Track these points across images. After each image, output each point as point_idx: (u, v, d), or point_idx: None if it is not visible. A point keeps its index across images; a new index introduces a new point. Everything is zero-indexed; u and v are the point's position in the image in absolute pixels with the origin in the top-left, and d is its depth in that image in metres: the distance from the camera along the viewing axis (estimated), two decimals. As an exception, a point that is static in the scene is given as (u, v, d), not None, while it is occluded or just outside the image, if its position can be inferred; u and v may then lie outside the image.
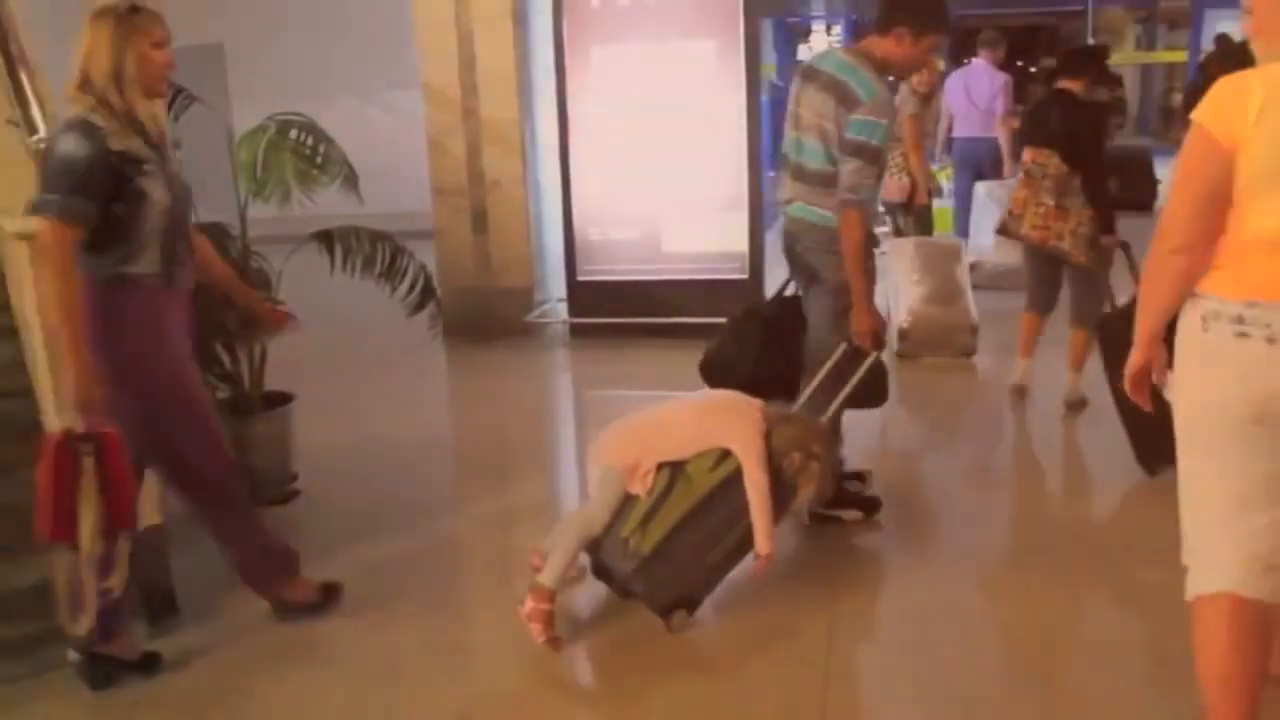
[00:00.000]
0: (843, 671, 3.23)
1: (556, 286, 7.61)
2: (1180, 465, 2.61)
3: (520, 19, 7.21)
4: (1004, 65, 8.61)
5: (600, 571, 3.55)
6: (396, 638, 3.49)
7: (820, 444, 3.45)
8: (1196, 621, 2.53)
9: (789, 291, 4.28)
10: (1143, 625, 3.50)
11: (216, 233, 4.38)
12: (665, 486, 3.35)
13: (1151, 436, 4.37)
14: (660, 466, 3.38)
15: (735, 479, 3.33)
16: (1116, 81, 12.58)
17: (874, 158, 3.69)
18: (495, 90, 7.16)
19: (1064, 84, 5.29)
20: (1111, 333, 4.68)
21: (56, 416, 3.04)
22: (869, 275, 3.82)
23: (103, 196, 2.90)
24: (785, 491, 3.39)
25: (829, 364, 3.90)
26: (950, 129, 8.75)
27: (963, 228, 8.50)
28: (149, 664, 3.24)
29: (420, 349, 6.43)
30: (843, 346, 3.89)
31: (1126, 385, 2.68)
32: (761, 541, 3.32)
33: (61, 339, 2.87)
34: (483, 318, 7.33)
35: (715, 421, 3.43)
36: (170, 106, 4.64)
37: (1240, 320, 2.44)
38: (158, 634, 3.45)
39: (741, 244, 6.92)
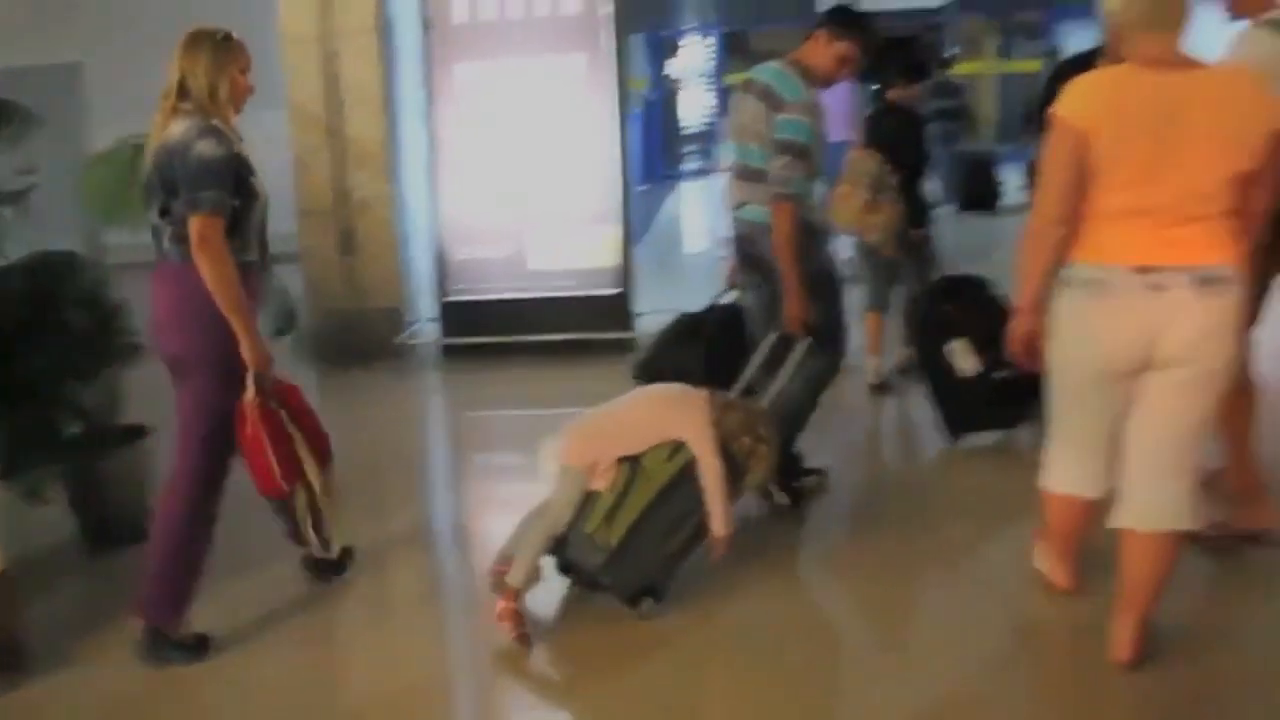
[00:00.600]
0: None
1: (427, 306, 7.50)
2: (1053, 399, 3.21)
3: (385, 36, 7.10)
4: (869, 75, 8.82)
5: (566, 568, 3.70)
6: (271, 671, 3.41)
7: (766, 427, 3.65)
8: (1047, 500, 3.38)
9: (725, 299, 4.56)
10: (988, 590, 3.74)
11: (66, 262, 4.22)
12: (626, 481, 3.50)
13: (952, 407, 5.00)
14: (619, 461, 3.53)
15: (690, 467, 3.51)
16: (956, 90, 13.45)
17: (801, 154, 3.99)
18: (361, 108, 7.05)
19: (891, 94, 5.86)
20: (915, 314, 5.25)
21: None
22: (808, 265, 4.09)
23: (232, 193, 3.26)
24: (736, 474, 3.59)
25: (762, 352, 4.15)
26: None
27: None
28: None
29: (288, 373, 6.25)
30: (771, 335, 4.15)
31: (1014, 349, 3.14)
32: (718, 524, 3.51)
33: (228, 314, 3.25)
34: (352, 340, 7.20)
35: (667, 413, 3.59)
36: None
37: (1089, 283, 2.93)
38: (10, 686, 3.29)
39: (613, 258, 6.92)
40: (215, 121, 3.30)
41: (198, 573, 3.46)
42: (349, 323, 7.23)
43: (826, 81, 4.16)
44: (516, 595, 3.45)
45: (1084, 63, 4.35)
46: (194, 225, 3.20)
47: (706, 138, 21.85)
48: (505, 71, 6.87)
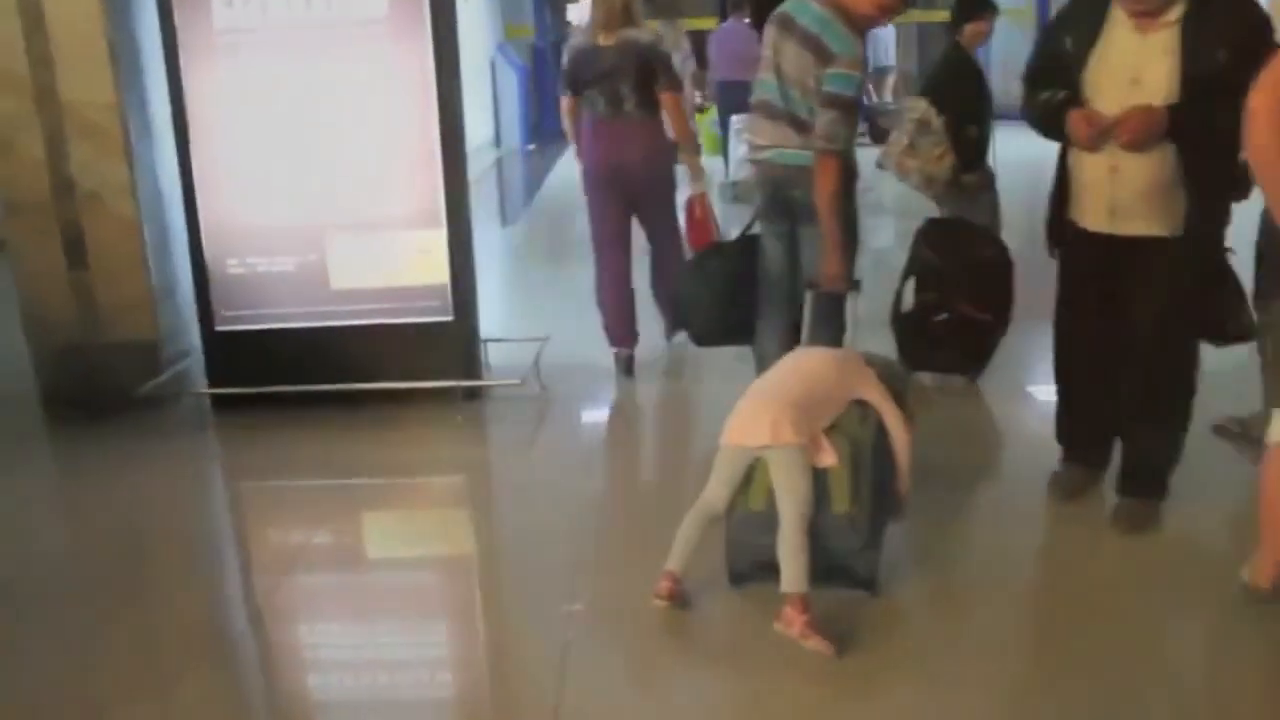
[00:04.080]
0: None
1: (195, 336, 5.43)
2: None
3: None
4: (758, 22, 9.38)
5: (740, 577, 3.41)
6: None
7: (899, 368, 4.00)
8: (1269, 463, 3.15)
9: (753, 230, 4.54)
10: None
11: None
12: (852, 452, 3.29)
13: (898, 338, 5.26)
14: (829, 433, 3.32)
15: (880, 427, 3.41)
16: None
17: (850, 109, 3.93)
18: (79, 64, 4.94)
19: (961, 34, 5.75)
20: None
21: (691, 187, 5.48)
22: (849, 222, 4.09)
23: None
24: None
25: (808, 313, 4.15)
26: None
27: (723, 155, 10.75)
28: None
29: (10, 437, 5.05)
30: (810, 294, 4.14)
31: None
32: (907, 478, 3.47)
33: (684, 143, 5.54)
34: (93, 387, 5.21)
35: (848, 376, 3.49)
36: None
37: None
38: None
39: (440, 273, 4.98)
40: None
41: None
42: (88, 363, 5.23)
43: (865, 28, 4.03)
44: (808, 600, 3.11)
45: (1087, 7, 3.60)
46: (667, 98, 5.27)
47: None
48: (284, 21, 4.86)
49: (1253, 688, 2.99)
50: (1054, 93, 3.52)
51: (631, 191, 5.36)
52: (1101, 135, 3.35)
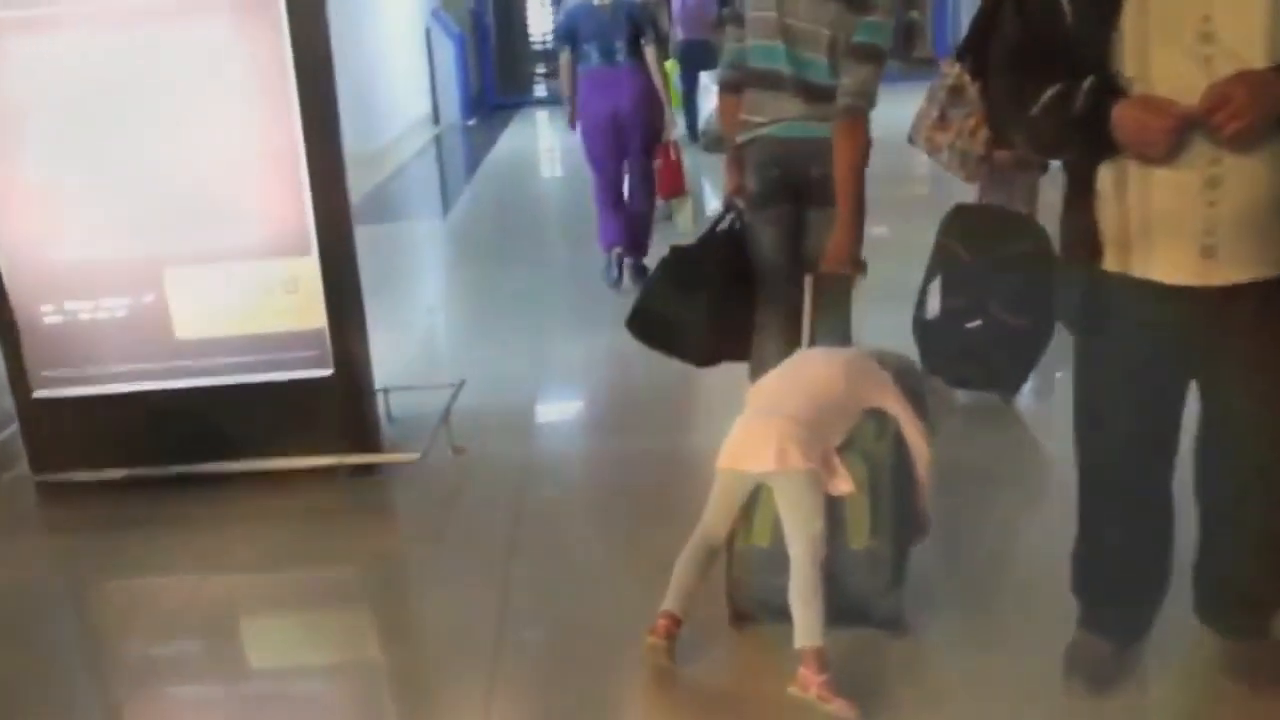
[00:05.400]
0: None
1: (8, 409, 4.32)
2: None
3: None
4: None
5: (741, 615, 3.11)
6: None
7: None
8: None
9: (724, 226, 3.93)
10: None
11: None
12: (870, 475, 2.93)
13: (922, 347, 4.56)
14: (841, 453, 2.94)
15: (899, 439, 3.00)
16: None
17: (882, 63, 3.59)
18: None
19: None
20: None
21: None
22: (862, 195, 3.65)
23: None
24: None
25: (807, 304, 3.72)
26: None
27: (689, 109, 11.38)
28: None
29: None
30: (809, 279, 3.70)
31: None
32: (927, 496, 3.07)
33: (662, 94, 6.45)
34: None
35: (862, 383, 3.07)
36: None
37: None
38: None
39: (315, 315, 3.87)
40: None
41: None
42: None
43: None
44: (825, 655, 2.74)
45: None
46: (649, 50, 6.22)
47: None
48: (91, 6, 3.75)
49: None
50: (1068, 84, 2.24)
51: (623, 135, 6.32)
52: (1184, 130, 2.13)
